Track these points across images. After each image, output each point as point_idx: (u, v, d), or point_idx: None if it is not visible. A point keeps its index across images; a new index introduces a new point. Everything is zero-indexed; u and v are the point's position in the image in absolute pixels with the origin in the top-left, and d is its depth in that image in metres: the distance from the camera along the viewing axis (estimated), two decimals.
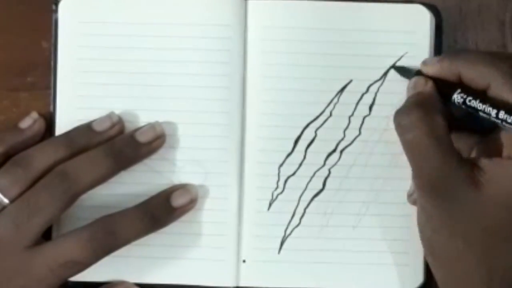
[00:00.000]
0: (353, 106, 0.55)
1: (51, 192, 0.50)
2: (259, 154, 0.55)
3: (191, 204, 0.54)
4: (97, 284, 0.55)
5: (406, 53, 0.55)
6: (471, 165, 0.47)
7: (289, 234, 0.55)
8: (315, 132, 0.55)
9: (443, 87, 0.50)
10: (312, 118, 0.55)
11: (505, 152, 0.48)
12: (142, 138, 0.53)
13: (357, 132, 0.55)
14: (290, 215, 0.55)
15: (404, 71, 0.54)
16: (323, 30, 0.55)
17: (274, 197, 0.55)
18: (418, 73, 0.52)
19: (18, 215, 0.50)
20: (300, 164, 0.55)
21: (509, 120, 0.47)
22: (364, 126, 0.55)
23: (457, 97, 0.49)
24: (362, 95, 0.55)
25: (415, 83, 0.51)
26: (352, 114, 0.55)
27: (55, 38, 0.55)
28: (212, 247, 0.55)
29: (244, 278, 0.55)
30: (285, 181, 0.55)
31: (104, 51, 0.55)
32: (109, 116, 0.54)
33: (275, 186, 0.55)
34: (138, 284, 0.55)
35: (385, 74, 0.55)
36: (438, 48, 0.55)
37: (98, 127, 0.53)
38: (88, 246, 0.50)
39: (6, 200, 0.50)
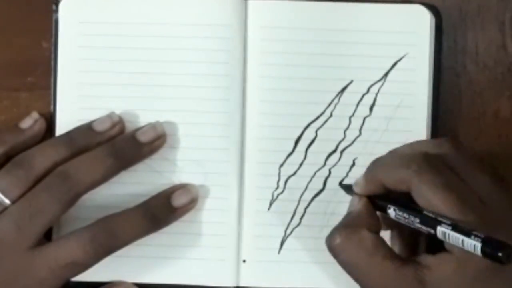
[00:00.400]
0: (354, 106, 0.55)
1: (52, 193, 0.50)
2: (259, 154, 0.55)
3: (191, 204, 0.54)
4: (98, 284, 0.55)
5: (407, 53, 0.55)
6: (414, 266, 0.46)
7: (290, 234, 0.55)
8: (316, 132, 0.55)
9: (379, 200, 0.49)
10: (312, 118, 0.55)
11: (447, 245, 0.45)
12: (143, 138, 0.53)
13: (358, 133, 0.55)
14: (291, 215, 0.55)
15: (347, 189, 0.53)
16: (323, 31, 0.55)
17: (275, 197, 0.55)
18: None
19: (20, 216, 0.50)
20: (301, 164, 0.55)
21: (439, 236, 0.45)
22: (364, 126, 0.55)
23: (390, 211, 0.48)
24: (363, 95, 0.55)
25: (350, 204, 0.51)
26: (353, 115, 0.55)
27: (55, 38, 0.55)
28: (212, 247, 0.55)
29: (244, 278, 0.55)
30: (286, 181, 0.55)
31: (104, 51, 0.55)
32: (110, 116, 0.54)
33: (275, 186, 0.55)
34: (138, 284, 0.55)
35: (386, 74, 0.55)
36: (438, 48, 0.55)
37: (98, 127, 0.53)
38: (89, 247, 0.50)
39: (7, 201, 0.50)
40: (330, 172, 0.55)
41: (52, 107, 0.55)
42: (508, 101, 0.57)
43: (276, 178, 0.55)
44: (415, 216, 0.46)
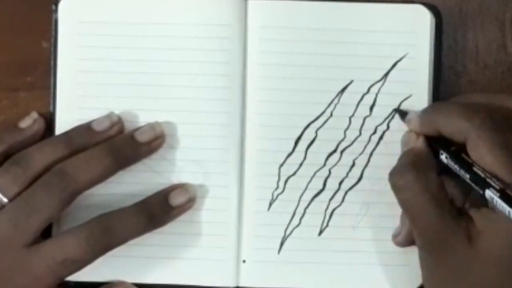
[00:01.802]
0: (354, 106, 0.55)
1: (49, 191, 0.50)
2: (259, 154, 0.55)
3: (189, 203, 0.54)
4: (97, 284, 0.55)
5: (407, 53, 0.55)
6: (466, 220, 0.47)
7: (289, 234, 0.55)
8: (316, 132, 0.55)
9: (433, 142, 0.50)
10: (312, 118, 0.55)
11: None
12: (141, 137, 0.53)
13: (358, 133, 0.55)
14: (290, 215, 0.55)
15: (403, 114, 0.54)
16: (324, 31, 0.55)
17: (274, 197, 0.55)
18: None
19: (17, 214, 0.50)
20: (301, 164, 0.55)
21: (488, 198, 0.46)
22: (364, 126, 0.55)
23: (442, 157, 0.49)
24: (363, 95, 0.55)
25: (407, 139, 0.51)
26: (353, 115, 0.55)
27: (55, 38, 0.55)
28: (212, 247, 0.55)
29: (244, 278, 0.55)
30: (286, 181, 0.55)
31: (104, 51, 0.55)
32: (109, 116, 0.54)
33: (275, 186, 0.55)
34: (138, 284, 0.55)
35: (386, 74, 0.55)
36: (438, 48, 0.55)
37: (97, 127, 0.53)
38: (86, 244, 0.49)
39: (4, 199, 0.50)
40: (330, 172, 0.55)
41: (51, 107, 0.55)
42: None
43: (276, 178, 0.55)
44: (466, 171, 0.46)
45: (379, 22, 0.55)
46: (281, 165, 0.55)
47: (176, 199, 0.53)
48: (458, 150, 0.48)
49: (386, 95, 0.55)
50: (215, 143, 0.55)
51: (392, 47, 0.55)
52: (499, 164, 0.45)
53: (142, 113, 0.55)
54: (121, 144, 0.53)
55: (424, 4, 0.55)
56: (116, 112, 0.54)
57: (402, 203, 0.49)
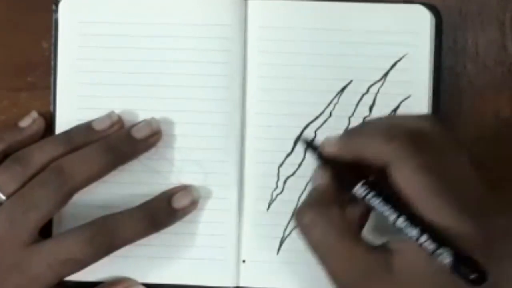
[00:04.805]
0: (353, 106, 0.55)
1: (46, 188, 0.50)
2: (258, 154, 0.55)
3: (192, 205, 0.54)
4: (97, 284, 0.55)
5: (407, 53, 0.55)
6: (383, 250, 0.44)
7: (288, 235, 0.55)
8: (315, 132, 0.55)
9: (344, 175, 0.46)
10: (312, 119, 0.55)
11: None
12: (138, 134, 0.53)
13: None
14: (289, 215, 0.55)
15: (309, 147, 0.49)
16: (323, 31, 0.55)
17: (274, 197, 0.55)
18: (320, 155, 0.47)
19: (13, 211, 0.50)
20: (300, 165, 0.55)
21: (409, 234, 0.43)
22: None
23: (357, 190, 0.45)
24: (362, 95, 0.55)
25: (314, 176, 0.47)
26: (352, 115, 0.55)
27: (55, 38, 0.55)
28: (212, 247, 0.55)
29: (244, 278, 0.55)
30: (285, 181, 0.55)
31: (104, 51, 0.55)
32: (109, 115, 0.54)
33: (274, 186, 0.55)
34: None
35: (386, 75, 0.55)
36: (438, 48, 0.55)
37: (97, 126, 0.53)
38: (88, 245, 0.49)
39: (2, 196, 0.50)
40: None
41: (52, 107, 0.56)
42: (508, 101, 0.57)
43: (275, 179, 0.55)
44: (379, 202, 0.43)
45: (378, 22, 0.55)
46: (281, 165, 0.55)
47: (179, 202, 0.54)
48: (370, 181, 0.45)
49: (385, 95, 0.55)
50: (215, 143, 0.55)
51: (391, 47, 0.55)
52: (421, 187, 0.42)
53: (142, 113, 0.55)
54: (118, 141, 0.53)
55: (424, 4, 0.55)
56: (117, 111, 0.54)
57: (310, 244, 0.45)
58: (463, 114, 0.57)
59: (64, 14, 0.55)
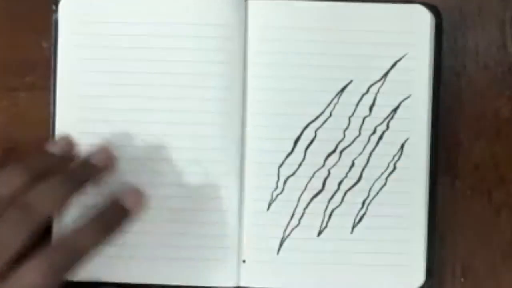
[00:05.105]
0: (353, 106, 0.55)
1: (13, 226, 0.48)
2: (258, 154, 0.55)
3: (142, 204, 0.53)
4: (98, 284, 0.55)
5: (407, 53, 0.55)
6: None
7: (288, 235, 0.55)
8: (315, 132, 0.55)
9: None
10: (312, 119, 0.55)
11: None
12: (94, 159, 0.53)
13: (357, 133, 0.55)
14: (289, 215, 0.55)
15: None
16: (323, 31, 0.55)
17: (274, 197, 0.55)
18: None
19: None
20: (300, 165, 0.55)
21: None
22: (364, 126, 0.55)
23: None
24: (362, 95, 0.55)
25: None
26: (352, 115, 0.55)
27: (55, 38, 0.55)
28: (212, 247, 0.55)
29: (244, 278, 0.55)
30: (285, 182, 0.55)
31: (104, 51, 0.55)
32: (62, 138, 0.54)
33: (274, 186, 0.55)
34: (138, 285, 0.55)
35: (386, 74, 0.55)
36: (438, 48, 0.55)
37: (52, 149, 0.53)
38: (49, 271, 0.47)
39: None
40: (329, 173, 0.55)
41: (51, 107, 0.55)
42: (508, 101, 0.57)
43: (276, 179, 0.55)
44: None
45: (378, 22, 0.55)
46: (281, 165, 0.55)
47: (130, 201, 0.52)
48: None
49: (385, 95, 0.55)
50: (215, 143, 0.55)
51: (391, 47, 0.55)
52: None
53: (143, 112, 0.55)
54: (76, 169, 0.52)
55: (424, 4, 0.55)
56: (117, 111, 0.54)
57: None
58: (463, 114, 0.57)
59: (64, 14, 0.55)
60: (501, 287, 0.57)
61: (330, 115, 0.55)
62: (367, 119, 0.55)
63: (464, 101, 0.57)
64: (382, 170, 0.55)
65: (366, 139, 0.55)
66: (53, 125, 0.55)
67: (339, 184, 0.55)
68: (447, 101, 0.57)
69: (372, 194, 0.55)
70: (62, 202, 0.50)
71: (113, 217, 0.52)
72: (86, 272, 0.50)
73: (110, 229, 0.51)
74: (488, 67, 0.57)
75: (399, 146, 0.54)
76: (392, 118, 0.55)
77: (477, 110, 0.57)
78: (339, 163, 0.55)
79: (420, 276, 0.55)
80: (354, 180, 0.55)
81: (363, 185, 0.55)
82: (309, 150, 0.55)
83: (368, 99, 0.55)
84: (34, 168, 0.51)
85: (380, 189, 0.55)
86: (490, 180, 0.57)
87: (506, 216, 0.57)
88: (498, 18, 0.57)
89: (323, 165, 0.55)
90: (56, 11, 0.55)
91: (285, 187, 0.55)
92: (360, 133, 0.55)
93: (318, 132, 0.55)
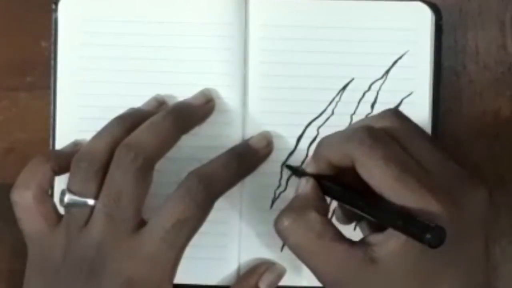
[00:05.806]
0: (355, 104, 0.55)
1: (122, 168, 0.48)
2: None
3: (269, 146, 0.55)
4: None
5: (408, 51, 0.55)
6: (363, 245, 0.45)
7: None
8: (317, 130, 0.55)
9: (323, 182, 0.48)
10: (314, 116, 0.55)
11: None
12: (196, 102, 0.54)
13: None
14: None
15: (294, 171, 0.54)
16: (325, 29, 0.55)
17: (277, 195, 0.55)
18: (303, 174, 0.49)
19: (107, 206, 0.47)
20: (303, 162, 0.55)
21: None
22: None
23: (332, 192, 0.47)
24: (364, 93, 0.55)
25: (297, 187, 0.49)
26: (354, 112, 0.55)
27: (55, 37, 0.55)
28: (213, 246, 0.55)
29: None
30: (288, 180, 0.55)
31: (104, 50, 0.55)
32: (155, 98, 0.55)
33: (277, 184, 0.55)
34: None
35: (387, 72, 0.55)
36: (439, 45, 0.55)
37: (145, 107, 0.54)
38: (188, 200, 0.48)
39: (91, 201, 0.48)
40: None
41: (52, 106, 0.55)
42: (508, 101, 0.57)
43: (278, 177, 0.55)
44: (354, 203, 0.46)
45: (379, 19, 0.55)
46: (283, 163, 0.55)
47: (258, 143, 0.54)
48: (345, 184, 0.47)
49: (387, 93, 0.55)
50: (217, 141, 0.55)
51: (392, 45, 0.55)
52: (386, 175, 0.43)
53: None
54: (178, 109, 0.52)
55: (424, 1, 0.55)
56: (117, 110, 0.54)
57: (291, 249, 0.46)
58: (463, 113, 0.57)
59: (64, 14, 0.55)
60: (501, 287, 0.57)
61: (332, 113, 0.55)
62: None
63: (464, 101, 0.57)
64: None
65: None
66: (53, 125, 0.55)
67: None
68: (447, 101, 0.57)
69: None
70: (163, 138, 0.50)
71: (244, 153, 0.53)
72: None
73: (242, 165, 0.52)
74: (488, 67, 0.57)
75: None
76: None
77: (477, 110, 0.57)
78: None
79: None
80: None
81: None
82: (311, 147, 0.55)
83: (370, 97, 0.55)
84: (128, 120, 0.51)
85: None
86: (490, 180, 0.57)
87: (506, 216, 0.57)
88: (498, 17, 0.57)
89: None
90: (56, 10, 0.55)
91: (288, 185, 0.55)
92: None
93: (320, 130, 0.55)
